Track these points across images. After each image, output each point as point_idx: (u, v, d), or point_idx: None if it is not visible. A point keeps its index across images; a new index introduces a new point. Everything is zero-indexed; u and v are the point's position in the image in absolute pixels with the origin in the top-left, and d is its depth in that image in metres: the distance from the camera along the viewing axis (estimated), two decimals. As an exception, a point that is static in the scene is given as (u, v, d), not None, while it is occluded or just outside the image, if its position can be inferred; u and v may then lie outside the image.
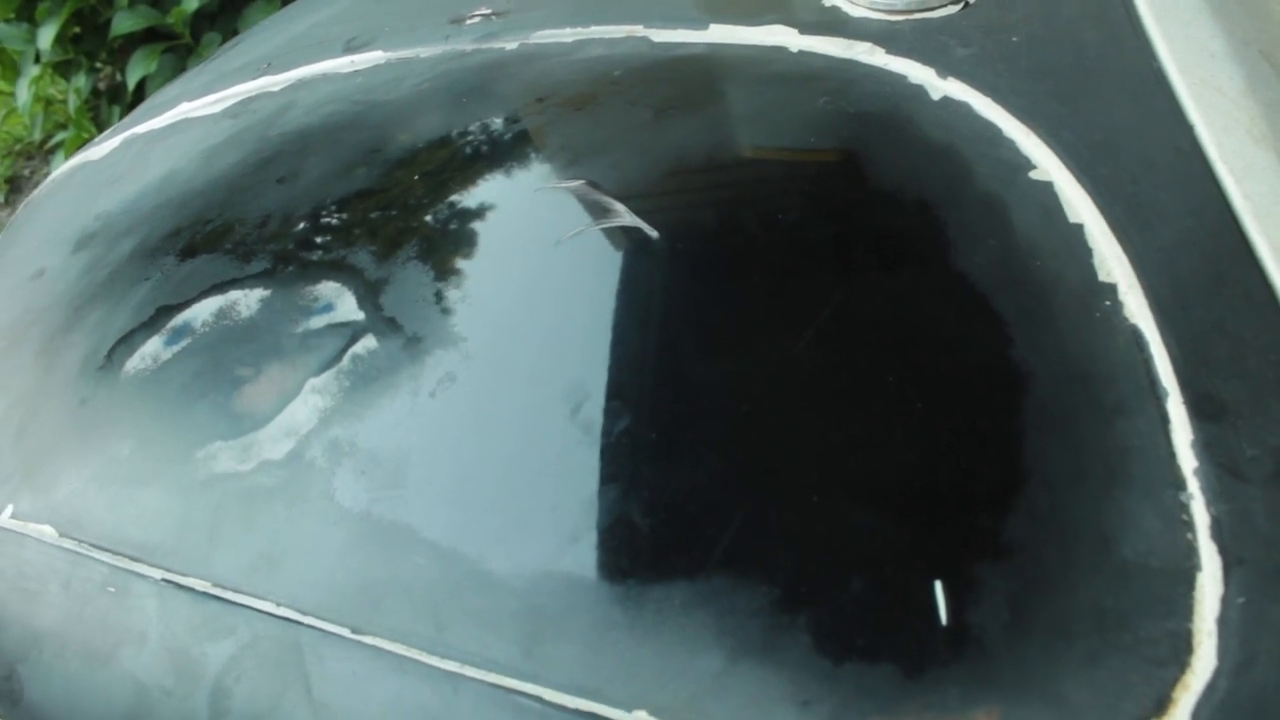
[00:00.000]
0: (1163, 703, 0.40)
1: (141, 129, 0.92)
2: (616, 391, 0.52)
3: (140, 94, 2.31)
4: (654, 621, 0.46)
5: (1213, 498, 0.44)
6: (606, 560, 0.48)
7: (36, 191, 1.01)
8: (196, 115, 0.88)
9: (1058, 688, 0.41)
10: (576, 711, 0.45)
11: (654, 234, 0.57)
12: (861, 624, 0.44)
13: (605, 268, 0.58)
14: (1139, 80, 0.58)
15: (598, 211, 0.60)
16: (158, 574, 0.56)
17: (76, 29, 2.43)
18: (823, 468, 0.48)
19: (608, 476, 0.50)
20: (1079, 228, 0.52)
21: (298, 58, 0.87)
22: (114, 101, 2.60)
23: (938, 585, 0.44)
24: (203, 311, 0.67)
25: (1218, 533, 0.43)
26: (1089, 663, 0.41)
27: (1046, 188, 0.54)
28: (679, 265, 0.56)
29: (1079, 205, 0.53)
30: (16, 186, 3.05)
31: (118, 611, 0.57)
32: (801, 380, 0.50)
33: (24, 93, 2.54)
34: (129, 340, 0.68)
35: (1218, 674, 0.40)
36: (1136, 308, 0.49)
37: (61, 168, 1.00)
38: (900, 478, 0.47)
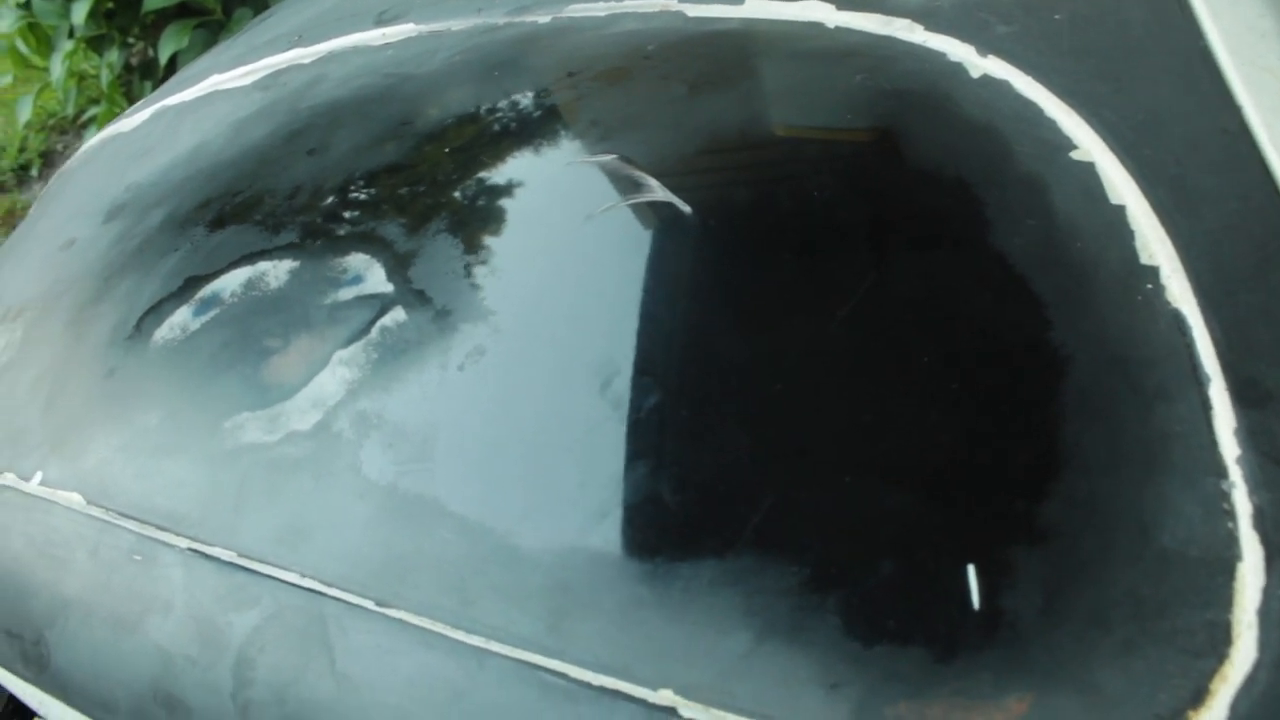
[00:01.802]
0: (1200, 694, 0.39)
1: (172, 101, 0.92)
2: (647, 367, 0.52)
3: (172, 69, 2.32)
4: (681, 600, 0.45)
5: (1255, 486, 0.42)
6: (634, 537, 0.48)
7: (68, 163, 1.01)
8: (227, 88, 0.88)
9: (1092, 676, 0.40)
10: (602, 689, 0.45)
11: (687, 210, 0.57)
12: (892, 607, 0.43)
13: (637, 243, 0.57)
14: (1185, 60, 0.57)
15: (630, 187, 0.59)
16: (184, 543, 0.56)
17: (110, 4, 2.44)
18: (856, 448, 0.47)
19: (637, 453, 0.50)
20: (1121, 209, 0.51)
21: (329, 30, 0.87)
22: (146, 77, 2.62)
23: (970, 569, 0.43)
24: (231, 282, 0.67)
25: (1260, 522, 0.42)
26: (1124, 652, 0.40)
27: (1088, 168, 0.53)
28: (712, 241, 0.56)
29: (1121, 187, 0.52)
30: (50, 161, 3.07)
31: (144, 580, 0.57)
32: (836, 359, 0.50)
33: (58, 68, 2.56)
34: (158, 310, 0.68)
35: (1258, 666, 0.39)
36: (1179, 291, 0.48)
37: (93, 139, 1.00)
38: (934, 460, 0.46)
